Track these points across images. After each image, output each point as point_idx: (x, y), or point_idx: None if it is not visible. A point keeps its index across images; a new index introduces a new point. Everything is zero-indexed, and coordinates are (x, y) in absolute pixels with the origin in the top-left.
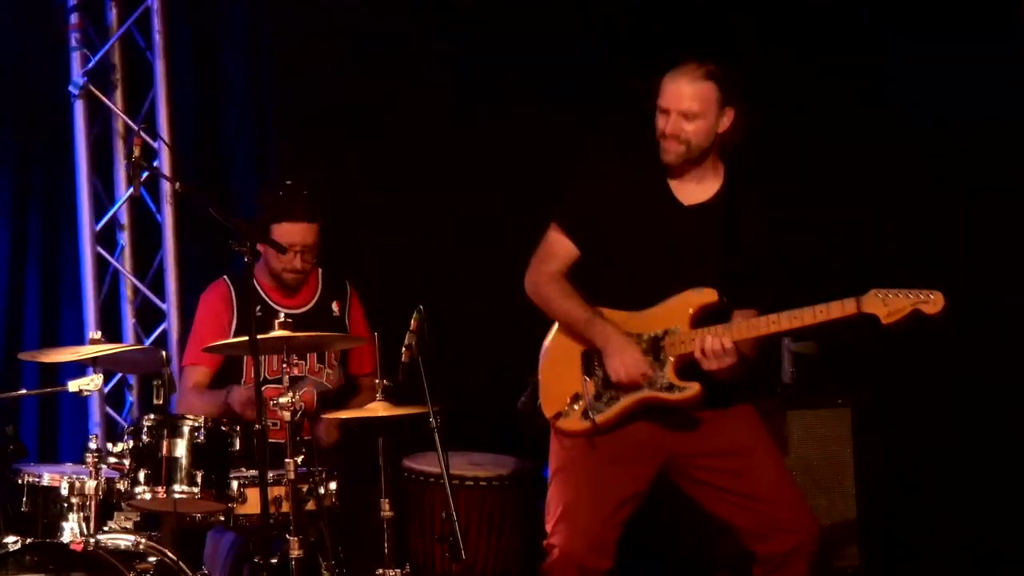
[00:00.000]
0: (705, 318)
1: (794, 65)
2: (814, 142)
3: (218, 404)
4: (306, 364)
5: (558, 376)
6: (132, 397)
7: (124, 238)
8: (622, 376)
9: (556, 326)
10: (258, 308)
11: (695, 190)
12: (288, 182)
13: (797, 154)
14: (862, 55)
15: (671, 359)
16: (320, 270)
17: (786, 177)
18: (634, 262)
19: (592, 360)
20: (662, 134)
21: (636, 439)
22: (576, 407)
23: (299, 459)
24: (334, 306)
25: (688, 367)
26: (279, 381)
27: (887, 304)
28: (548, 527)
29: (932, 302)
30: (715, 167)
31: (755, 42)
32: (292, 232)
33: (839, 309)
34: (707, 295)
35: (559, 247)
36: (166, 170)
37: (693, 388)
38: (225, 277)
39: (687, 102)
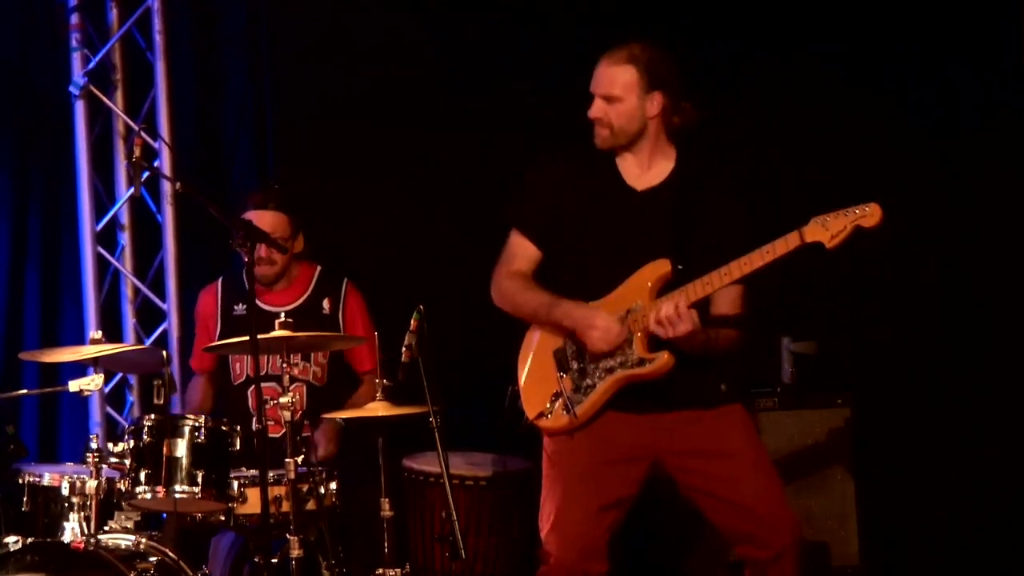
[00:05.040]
0: (665, 291)
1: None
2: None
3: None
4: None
5: (536, 380)
6: (132, 397)
7: (124, 238)
8: (603, 345)
9: (527, 335)
10: (242, 305)
11: (646, 174)
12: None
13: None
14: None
15: (637, 335)
16: (318, 268)
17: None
18: (591, 251)
19: (565, 355)
20: (590, 118)
21: (623, 440)
22: (557, 404)
23: (299, 459)
24: (325, 304)
25: (657, 340)
26: (269, 379)
27: (827, 228)
28: (542, 533)
29: (869, 214)
30: (664, 151)
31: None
32: (254, 220)
33: (783, 245)
34: (661, 266)
35: (520, 249)
36: (166, 170)
37: (662, 357)
38: (220, 279)
39: (606, 86)
